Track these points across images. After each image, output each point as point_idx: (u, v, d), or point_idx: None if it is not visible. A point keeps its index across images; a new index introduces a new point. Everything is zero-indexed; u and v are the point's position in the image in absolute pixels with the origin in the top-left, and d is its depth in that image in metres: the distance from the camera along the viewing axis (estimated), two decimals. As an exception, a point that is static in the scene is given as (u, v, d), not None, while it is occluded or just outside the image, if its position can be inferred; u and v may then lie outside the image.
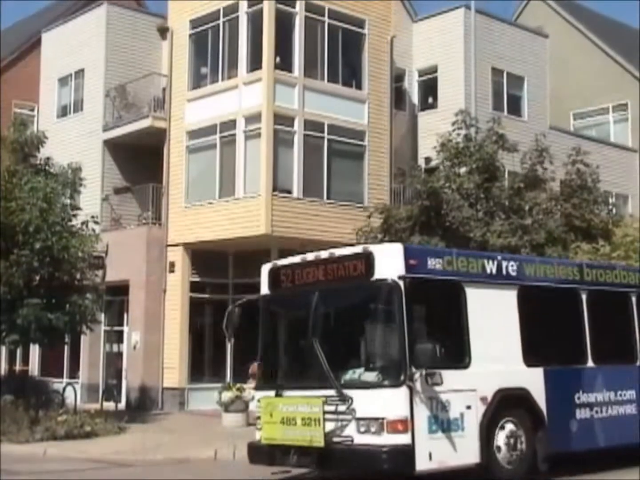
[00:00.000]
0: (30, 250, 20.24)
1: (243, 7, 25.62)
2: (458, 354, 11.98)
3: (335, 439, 11.42)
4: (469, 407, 11.69)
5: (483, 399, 11.84)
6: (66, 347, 26.93)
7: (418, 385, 11.18)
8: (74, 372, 28.37)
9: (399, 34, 28.90)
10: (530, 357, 12.59)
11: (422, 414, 11.23)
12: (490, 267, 12.62)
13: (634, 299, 14.58)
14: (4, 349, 27.10)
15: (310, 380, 12.00)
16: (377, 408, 11.22)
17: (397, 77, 29.24)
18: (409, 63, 30.34)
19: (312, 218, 24.49)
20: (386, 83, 27.45)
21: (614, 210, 26.96)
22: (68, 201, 22.12)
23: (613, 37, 38.50)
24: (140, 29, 29.43)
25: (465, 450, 11.58)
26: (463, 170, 23.21)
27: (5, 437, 18.44)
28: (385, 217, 22.63)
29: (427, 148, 26.88)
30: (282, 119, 24.71)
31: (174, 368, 25.87)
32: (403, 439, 11.03)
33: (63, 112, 30.93)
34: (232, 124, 25.29)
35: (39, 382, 27.35)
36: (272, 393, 12.28)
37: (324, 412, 11.40)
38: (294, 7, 25.33)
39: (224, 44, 26.18)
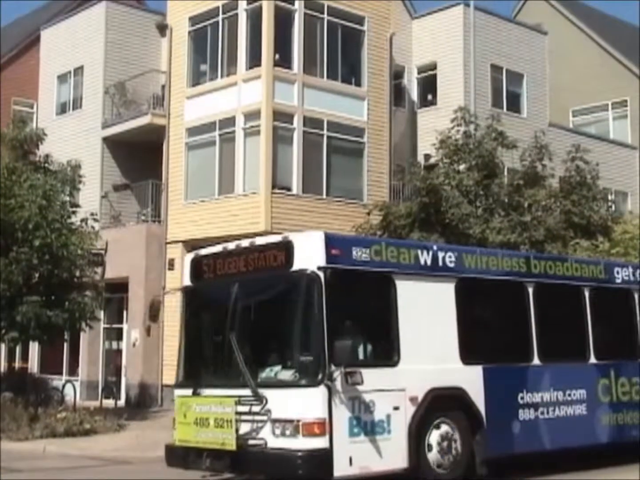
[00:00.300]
0: (30, 247, 20.23)
1: (242, 4, 25.59)
2: (386, 351, 11.31)
3: (250, 442, 10.69)
4: (396, 408, 10.96)
5: (413, 399, 11.11)
6: (65, 345, 26.96)
7: (338, 385, 10.46)
8: (73, 370, 28.38)
9: (398, 31, 28.88)
10: (468, 354, 11.88)
11: (342, 415, 10.50)
12: (425, 258, 11.81)
13: (587, 293, 13.78)
14: (3, 346, 27.13)
15: (226, 379, 11.30)
16: (292, 409, 10.50)
17: (397, 74, 29.24)
18: (408, 60, 30.33)
19: (311, 215, 24.48)
20: (385, 80, 27.45)
21: (613, 207, 26.97)
22: (67, 198, 22.12)
23: (612, 34, 38.50)
24: (140, 26, 29.43)
25: (392, 454, 10.87)
26: (462, 167, 23.23)
27: (4, 434, 18.47)
28: (385, 214, 22.63)
29: (427, 145, 26.91)
30: (281, 116, 24.71)
31: (173, 365, 25.79)
32: (320, 442, 10.29)
33: (62, 109, 30.92)
34: (231, 121, 25.28)
35: (39, 380, 27.36)
36: (190, 392, 11.61)
37: (237, 413, 10.71)
38: (293, 4, 25.31)
39: (223, 41, 26.17)
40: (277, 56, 24.86)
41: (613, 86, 35.63)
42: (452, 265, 12.10)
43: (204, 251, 12.58)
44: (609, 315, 14.20)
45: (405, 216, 22.13)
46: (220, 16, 26.19)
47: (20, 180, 21.21)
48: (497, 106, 29.00)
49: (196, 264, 12.46)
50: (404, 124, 29.61)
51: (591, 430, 13.24)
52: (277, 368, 11.06)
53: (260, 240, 11.77)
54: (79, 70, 30.05)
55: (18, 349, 28.03)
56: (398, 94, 29.34)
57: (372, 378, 10.73)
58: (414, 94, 30.65)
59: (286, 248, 11.07)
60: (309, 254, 10.84)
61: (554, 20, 36.67)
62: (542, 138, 23.77)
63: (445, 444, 11.36)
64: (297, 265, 10.88)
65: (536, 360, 12.74)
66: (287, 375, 10.89)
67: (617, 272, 14.39)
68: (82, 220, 21.76)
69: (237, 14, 25.71)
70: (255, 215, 24.01)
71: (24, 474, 14.57)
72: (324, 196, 25.30)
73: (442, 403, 11.40)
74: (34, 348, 28.77)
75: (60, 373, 28.44)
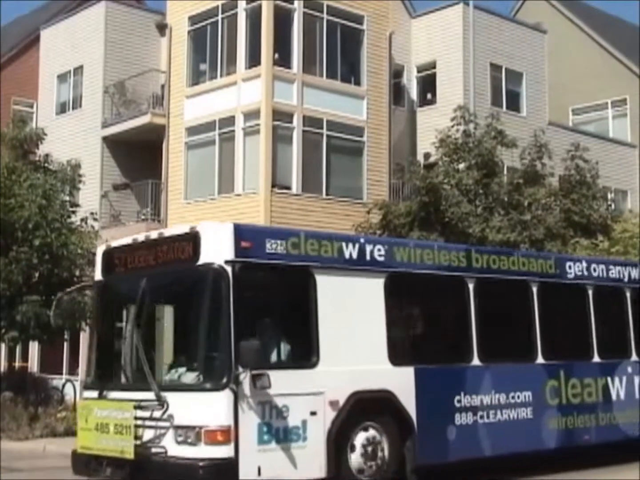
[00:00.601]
0: (30, 247, 20.24)
1: (242, 3, 25.61)
2: (303, 352, 10.48)
3: (152, 450, 9.91)
4: (314, 413, 10.19)
5: (333, 404, 10.32)
6: (65, 344, 26.93)
7: (245, 389, 9.67)
8: (73, 369, 28.33)
9: (398, 30, 28.88)
10: (398, 355, 11.16)
11: (249, 422, 9.70)
12: (350, 251, 10.96)
13: (535, 289, 12.99)
14: (3, 345, 27.07)
15: (131, 381, 10.58)
16: (195, 415, 9.69)
17: (396, 73, 29.23)
18: (408, 59, 30.31)
19: (311, 214, 24.47)
20: (385, 79, 27.45)
21: (612, 206, 26.99)
22: (67, 198, 22.14)
23: (612, 32, 38.49)
24: (139, 25, 29.42)
25: (308, 463, 10.09)
26: (462, 166, 23.26)
27: (4, 434, 18.49)
28: (384, 213, 22.66)
29: (426, 144, 26.90)
30: (280, 115, 24.72)
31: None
32: (224, 451, 9.52)
33: (62, 108, 30.92)
34: (231, 120, 25.29)
35: (39, 379, 27.32)
36: (97, 394, 10.86)
37: (137, 419, 9.91)
38: (292, 3, 25.32)
39: (222, 40, 26.17)
40: (276, 55, 24.87)
41: (612, 85, 35.62)
42: (381, 259, 11.28)
43: (115, 243, 11.85)
44: (560, 313, 13.48)
45: (405, 215, 22.16)
46: (220, 15, 26.20)
47: (20, 179, 21.22)
48: (496, 105, 28.99)
49: (107, 257, 11.70)
50: (403, 123, 29.60)
51: (537, 435, 12.54)
52: (182, 370, 10.36)
53: (168, 231, 11.08)
54: (78, 70, 30.04)
55: (18, 349, 27.97)
56: (397, 93, 29.33)
57: (286, 381, 10.01)
58: (414, 92, 30.63)
59: (193, 240, 10.25)
60: (217, 247, 10.04)
61: (553, 19, 36.64)
62: (541, 137, 23.78)
63: (370, 450, 10.64)
64: (203, 259, 10.09)
65: (476, 361, 11.96)
66: (190, 377, 10.15)
67: (570, 267, 13.62)
68: (82, 220, 21.77)
69: (236, 14, 25.73)
70: (255, 215, 24.01)
71: (24, 474, 14.57)
72: (324, 195, 25.30)
73: (367, 407, 10.65)
74: (34, 347, 28.76)
75: (60, 372, 28.40)
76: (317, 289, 10.53)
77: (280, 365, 10.30)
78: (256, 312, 10.21)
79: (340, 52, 26.63)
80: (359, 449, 10.59)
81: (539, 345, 12.77)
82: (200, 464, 9.51)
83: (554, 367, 12.91)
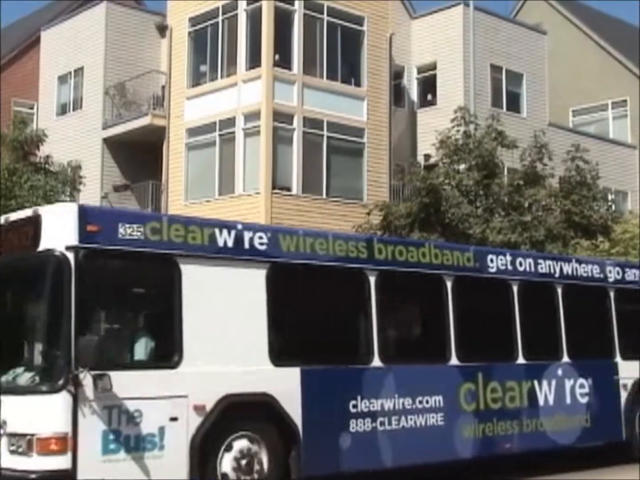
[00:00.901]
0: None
1: (242, 5, 25.65)
2: (161, 350, 9.40)
3: None
4: (174, 419, 9.06)
5: (199, 408, 9.18)
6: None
7: (87, 392, 8.54)
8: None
9: (398, 31, 28.91)
10: (282, 354, 10.02)
11: (92, 428, 8.55)
12: (225, 238, 9.80)
13: (449, 284, 11.84)
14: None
15: None
16: (28, 421, 8.60)
17: (396, 74, 29.26)
18: (408, 60, 30.34)
19: (311, 215, 24.49)
20: (385, 80, 27.47)
21: (613, 207, 26.97)
22: (68, 199, 22.11)
23: (612, 33, 38.50)
24: (140, 26, 29.44)
25: (166, 475, 8.98)
26: (462, 167, 23.26)
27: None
28: (385, 214, 22.65)
29: (427, 145, 26.92)
30: (281, 116, 24.74)
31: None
32: (59, 462, 8.39)
33: (62, 110, 30.93)
34: (231, 121, 25.31)
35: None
36: None
37: None
38: (292, 4, 25.35)
39: (223, 41, 26.21)
40: (276, 56, 24.90)
41: (613, 86, 35.64)
42: (263, 248, 10.09)
43: None
44: (478, 310, 12.41)
45: (406, 216, 22.14)
46: (220, 17, 26.23)
47: (21, 181, 21.22)
48: (496, 106, 29.00)
49: None
50: (403, 124, 29.62)
51: (449, 444, 11.36)
52: (20, 370, 9.17)
53: (14, 216, 9.86)
54: (79, 71, 30.04)
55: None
56: (398, 94, 29.35)
57: (139, 382, 8.90)
58: (414, 93, 30.65)
59: (34, 224, 9.15)
60: (58, 232, 8.94)
61: (553, 20, 36.68)
62: (542, 138, 23.79)
63: (244, 463, 9.48)
64: (43, 245, 9.00)
65: (377, 362, 10.77)
66: (26, 379, 9.00)
67: (492, 261, 12.44)
68: (82, 221, 21.74)
69: (237, 15, 25.76)
70: (255, 216, 23.99)
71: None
72: (324, 196, 25.32)
73: (241, 413, 9.52)
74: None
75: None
76: (181, 280, 9.36)
77: (132, 365, 9.17)
78: (105, 305, 9.30)
79: (341, 53, 26.66)
80: (230, 462, 9.41)
81: (453, 345, 11.60)
82: (32, 476, 8.41)
83: (471, 369, 11.77)
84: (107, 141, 28.52)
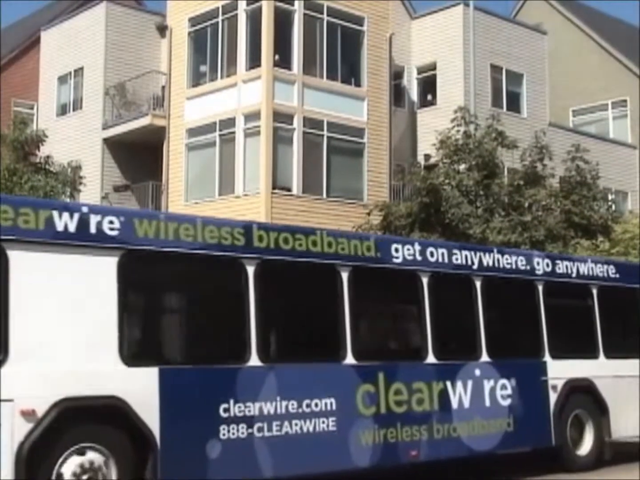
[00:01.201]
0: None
1: (242, 5, 25.65)
2: None
3: None
4: None
5: (27, 414, 8.08)
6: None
7: None
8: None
9: (398, 31, 28.92)
10: (135, 352, 9.01)
11: None
12: (66, 222, 8.64)
13: (345, 275, 10.61)
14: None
15: None
16: None
17: (396, 74, 29.27)
18: (408, 60, 30.35)
19: (311, 215, 24.49)
20: (385, 80, 27.48)
21: (613, 207, 26.98)
22: (68, 200, 22.13)
23: (612, 33, 38.51)
24: (140, 27, 29.45)
25: None
26: (462, 167, 23.26)
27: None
28: (385, 214, 22.65)
29: (427, 145, 26.93)
30: (281, 117, 24.74)
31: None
32: None
33: (62, 110, 30.94)
34: (231, 121, 25.32)
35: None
36: None
37: None
38: (292, 4, 25.36)
39: (223, 41, 26.21)
40: (276, 57, 24.90)
41: (613, 86, 35.66)
42: (114, 233, 8.96)
43: None
44: (380, 304, 11.56)
45: (406, 216, 22.14)
46: (220, 17, 26.24)
47: (21, 181, 21.25)
48: (497, 106, 29.02)
49: None
50: (403, 124, 29.64)
51: (343, 451, 10.20)
52: None
53: None
54: (79, 72, 30.06)
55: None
56: (398, 94, 29.37)
57: None
58: (414, 94, 30.67)
59: None
60: None
61: (553, 20, 36.69)
62: (542, 138, 23.80)
63: (85, 478, 8.30)
64: None
65: (255, 361, 9.60)
66: None
67: (397, 251, 11.26)
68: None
69: (236, 15, 25.76)
70: (255, 216, 23.96)
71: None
72: (324, 196, 25.33)
73: (83, 419, 8.36)
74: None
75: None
76: (8, 269, 8.24)
77: None
78: None
79: (341, 53, 26.66)
80: (69, 477, 8.18)
81: (349, 343, 10.39)
82: None
83: (370, 368, 10.58)
84: (107, 141, 28.53)
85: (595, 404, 13.10)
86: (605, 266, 14.02)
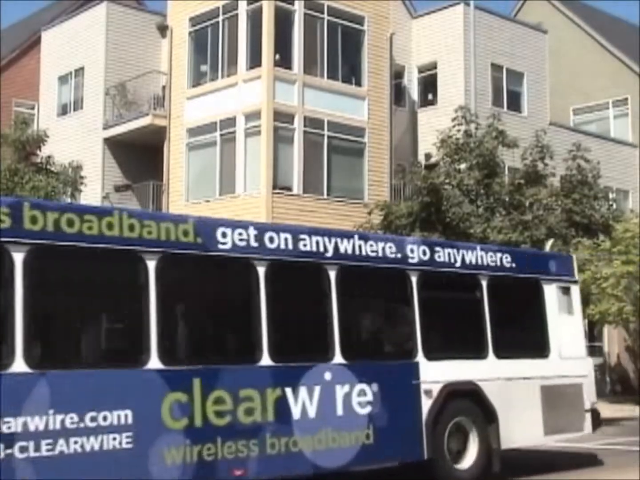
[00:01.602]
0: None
1: (242, 4, 25.65)
2: None
3: None
4: None
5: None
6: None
7: None
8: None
9: (398, 31, 28.91)
10: None
11: None
12: None
13: (150, 263, 9.00)
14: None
15: None
16: None
17: (397, 74, 29.26)
18: (409, 59, 30.35)
19: (312, 215, 24.49)
20: (386, 80, 27.47)
21: (614, 206, 27.00)
22: (69, 199, 22.14)
23: (612, 32, 38.50)
24: (140, 27, 29.45)
25: None
26: (463, 166, 23.28)
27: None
28: (386, 213, 22.68)
29: (427, 144, 26.93)
30: (282, 116, 24.74)
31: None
32: None
33: (63, 110, 30.94)
34: (232, 121, 25.32)
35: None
36: None
37: None
38: (293, 4, 25.35)
39: (223, 41, 26.21)
40: (277, 56, 24.90)
41: (613, 84, 35.64)
42: None
43: None
44: (200, 297, 9.78)
45: (407, 216, 22.17)
46: (221, 17, 26.24)
47: (22, 181, 21.24)
48: (497, 105, 29.02)
49: None
50: (404, 124, 29.63)
51: (139, 473, 8.57)
52: None
53: None
54: (79, 72, 30.06)
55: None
56: (398, 93, 29.37)
57: None
58: (415, 93, 30.66)
59: None
60: None
61: (554, 19, 36.68)
62: (543, 137, 23.80)
63: None
64: None
65: (20, 365, 7.97)
66: None
67: (224, 235, 9.66)
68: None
69: (237, 15, 25.76)
70: (256, 216, 23.98)
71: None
72: (325, 196, 25.33)
73: None
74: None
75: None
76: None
77: None
78: None
79: (341, 52, 26.66)
80: None
81: (154, 344, 8.83)
82: None
83: (181, 374, 9.04)
84: (107, 141, 28.53)
85: (481, 410, 11.52)
86: (499, 254, 12.35)
